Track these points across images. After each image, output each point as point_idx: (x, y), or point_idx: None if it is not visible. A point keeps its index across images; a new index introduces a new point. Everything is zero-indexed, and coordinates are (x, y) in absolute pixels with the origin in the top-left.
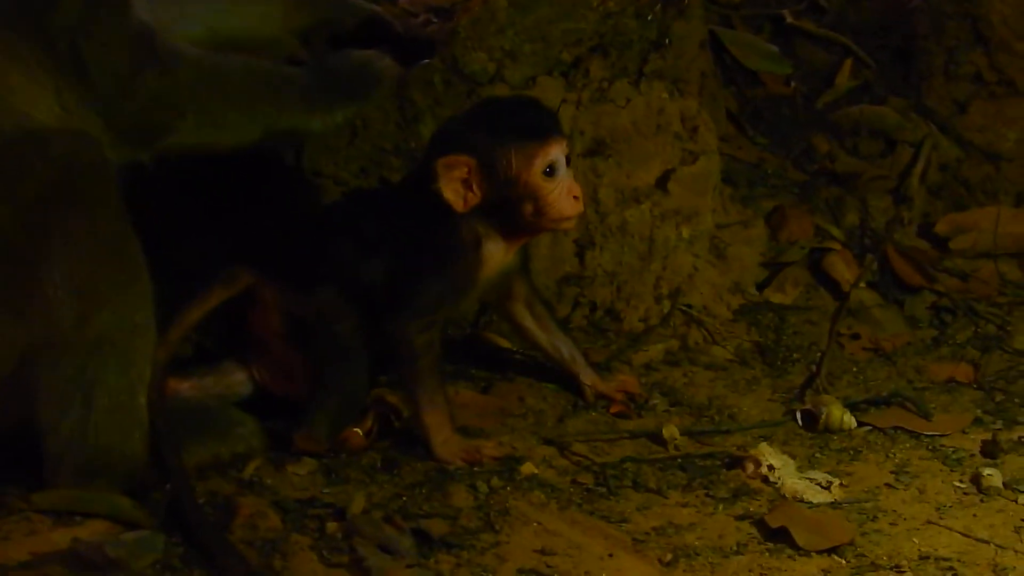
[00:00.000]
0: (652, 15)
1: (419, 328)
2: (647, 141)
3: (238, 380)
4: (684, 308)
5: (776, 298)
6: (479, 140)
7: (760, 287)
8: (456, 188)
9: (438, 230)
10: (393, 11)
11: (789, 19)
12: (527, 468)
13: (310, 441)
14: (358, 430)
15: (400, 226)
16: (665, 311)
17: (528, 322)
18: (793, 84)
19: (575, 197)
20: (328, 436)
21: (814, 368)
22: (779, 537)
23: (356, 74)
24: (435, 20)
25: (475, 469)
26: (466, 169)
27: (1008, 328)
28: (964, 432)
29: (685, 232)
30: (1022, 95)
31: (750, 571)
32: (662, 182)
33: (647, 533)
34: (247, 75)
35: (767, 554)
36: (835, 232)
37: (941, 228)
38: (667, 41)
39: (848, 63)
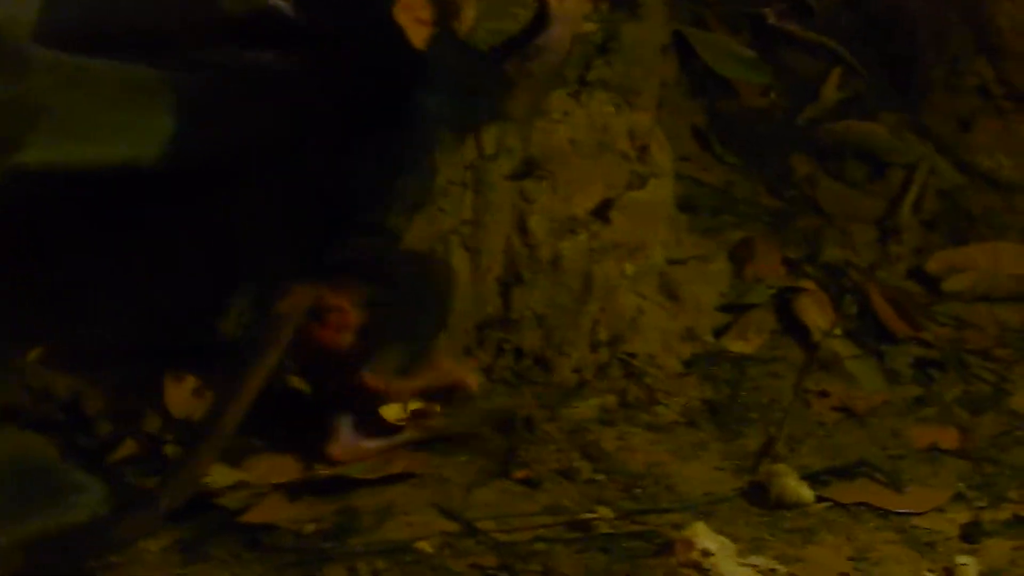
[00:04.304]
0: (596, 15)
1: None
2: (587, 162)
3: None
4: (625, 357)
5: (735, 347)
6: None
7: (718, 334)
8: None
9: None
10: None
11: (771, 19)
12: (420, 547)
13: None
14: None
15: None
16: (602, 361)
17: None
18: (772, 95)
19: None
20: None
21: (773, 431)
22: None
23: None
24: None
25: (358, 549)
26: None
27: (1005, 386)
28: (941, 510)
29: (629, 268)
30: None
31: None
32: (603, 210)
33: None
34: (117, 80)
35: None
36: (810, 270)
37: (933, 267)
38: (614, 46)
39: (836, 72)
